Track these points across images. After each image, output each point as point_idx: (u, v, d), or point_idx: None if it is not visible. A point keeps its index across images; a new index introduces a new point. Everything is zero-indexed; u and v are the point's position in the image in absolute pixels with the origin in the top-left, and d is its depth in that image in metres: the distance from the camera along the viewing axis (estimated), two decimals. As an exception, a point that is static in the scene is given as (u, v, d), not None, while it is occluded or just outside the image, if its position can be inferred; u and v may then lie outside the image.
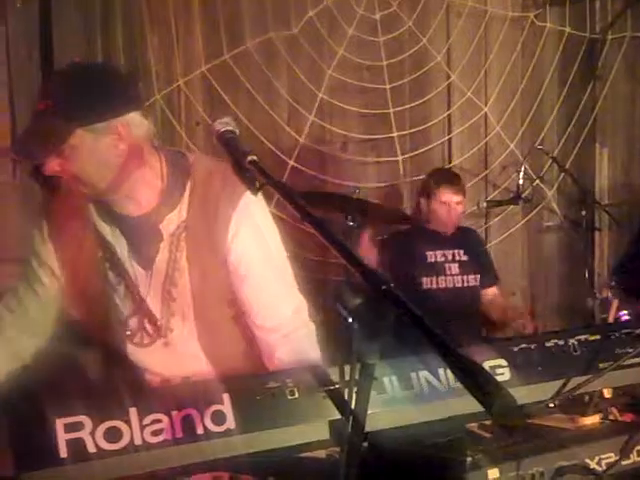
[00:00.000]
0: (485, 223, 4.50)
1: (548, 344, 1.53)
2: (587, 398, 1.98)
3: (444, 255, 3.88)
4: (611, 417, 2.04)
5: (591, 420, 2.04)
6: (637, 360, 1.59)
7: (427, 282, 3.82)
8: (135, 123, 1.79)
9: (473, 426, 1.86)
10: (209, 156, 2.01)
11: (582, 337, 1.56)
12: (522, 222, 4.47)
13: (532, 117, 4.47)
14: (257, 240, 1.89)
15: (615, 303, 3.22)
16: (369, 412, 1.32)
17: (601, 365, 1.54)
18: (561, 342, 1.54)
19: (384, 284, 1.21)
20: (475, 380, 1.03)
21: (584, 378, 1.52)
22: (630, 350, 1.55)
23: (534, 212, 4.37)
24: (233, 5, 4.04)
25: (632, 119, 4.61)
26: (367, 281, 1.24)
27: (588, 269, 4.19)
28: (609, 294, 3.50)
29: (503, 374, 1.48)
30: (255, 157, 1.46)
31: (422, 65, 4.34)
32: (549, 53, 4.49)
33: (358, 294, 1.27)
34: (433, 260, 3.86)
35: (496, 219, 4.48)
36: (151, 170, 1.85)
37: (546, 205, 4.34)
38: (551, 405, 1.97)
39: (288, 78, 4.17)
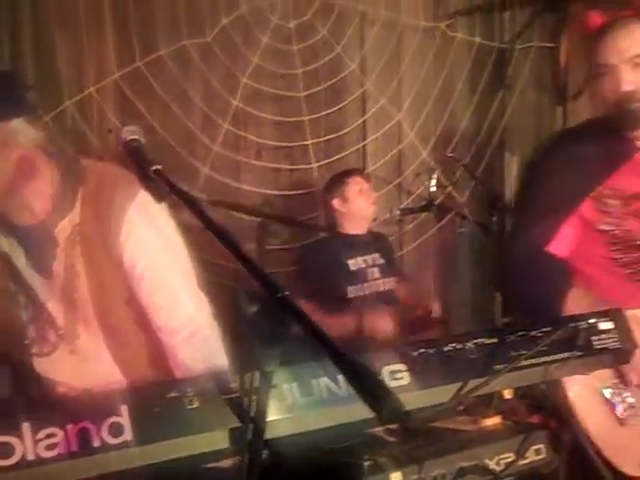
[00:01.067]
0: (399, 230, 4.57)
1: (446, 348, 1.56)
2: (488, 399, 2.05)
3: (365, 261, 3.92)
4: (514, 418, 2.12)
5: (492, 421, 2.10)
6: (532, 361, 1.63)
7: (353, 290, 3.85)
8: (21, 130, 1.76)
9: (378, 430, 1.90)
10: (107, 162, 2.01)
11: (479, 341, 1.60)
12: (434, 229, 4.54)
13: (444, 125, 4.56)
14: (152, 239, 1.89)
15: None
16: (269, 419, 1.33)
17: (497, 367, 1.58)
18: (459, 346, 1.57)
19: (280, 292, 1.23)
20: (365, 386, 1.06)
21: (481, 380, 1.55)
22: (524, 352, 1.59)
23: (446, 219, 4.45)
24: (146, 12, 4.01)
25: (539, 127, 4.74)
26: (264, 288, 1.26)
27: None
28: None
29: (402, 378, 1.51)
30: (159, 167, 1.47)
31: (337, 73, 4.39)
32: (460, 62, 4.59)
33: (256, 301, 1.28)
34: (355, 268, 3.89)
35: (410, 226, 4.55)
36: (42, 178, 1.83)
37: (458, 211, 4.42)
38: (459, 408, 2.02)
39: (202, 86, 4.16)
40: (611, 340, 1.72)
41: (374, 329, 3.67)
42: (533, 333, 1.66)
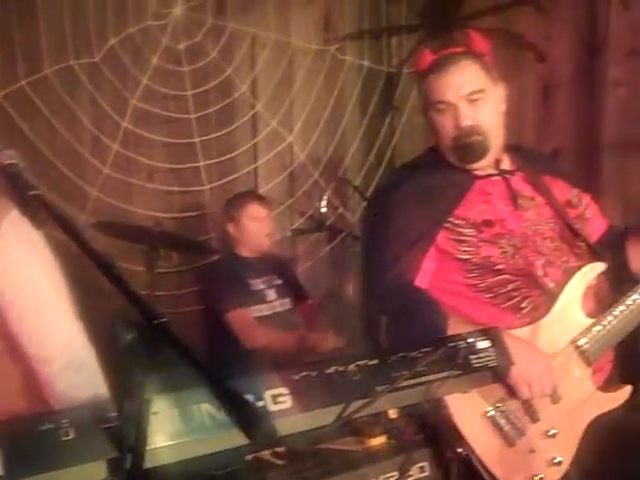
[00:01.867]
0: (292, 251, 4.59)
1: (328, 371, 1.57)
2: (373, 420, 2.08)
3: (263, 282, 3.93)
4: (400, 437, 2.16)
5: (378, 441, 2.14)
6: (413, 381, 1.66)
7: (255, 310, 3.84)
8: None
9: (265, 454, 1.90)
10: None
11: (361, 362, 1.62)
12: (326, 249, 4.59)
13: (335, 147, 4.62)
14: (21, 265, 1.83)
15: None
16: (149, 448, 1.31)
17: (379, 388, 1.60)
18: (341, 368, 1.58)
19: (157, 319, 1.22)
20: (238, 411, 1.06)
21: (363, 402, 1.57)
22: (405, 372, 1.62)
23: (338, 239, 4.50)
24: (30, 30, 3.92)
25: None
26: (141, 315, 1.25)
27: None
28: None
29: (285, 402, 1.51)
30: (38, 191, 1.43)
31: (228, 95, 4.40)
32: (350, 85, 4.67)
33: (133, 328, 1.27)
34: (255, 288, 3.89)
35: (302, 246, 4.58)
36: None
37: (350, 231, 4.48)
38: (345, 429, 2.04)
39: (91, 107, 4.09)
40: (489, 358, 1.76)
41: (273, 350, 3.68)
42: (414, 354, 1.68)
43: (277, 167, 4.53)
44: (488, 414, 2.20)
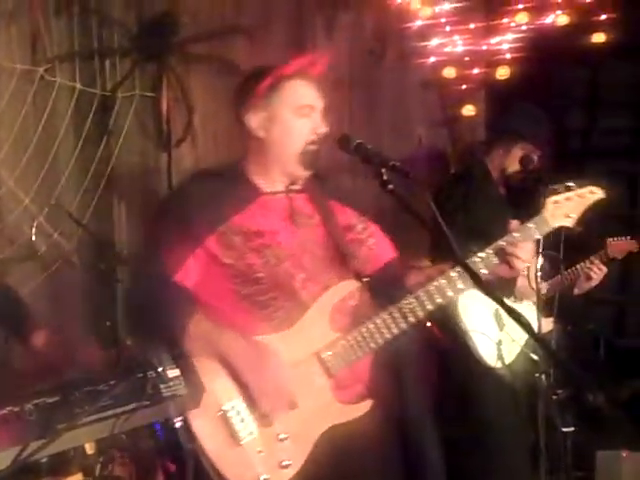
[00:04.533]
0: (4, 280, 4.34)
1: (3, 412, 1.50)
2: (69, 458, 2.01)
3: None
4: (98, 473, 2.10)
5: (75, 478, 2.08)
6: (98, 416, 1.63)
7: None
8: None
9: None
10: None
11: (39, 401, 1.56)
12: (42, 277, 4.39)
13: (47, 172, 4.43)
14: None
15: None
16: None
17: (60, 426, 1.55)
18: (16, 408, 1.52)
19: None
20: None
21: (42, 442, 1.51)
22: (86, 409, 1.58)
23: (54, 267, 4.32)
24: None
25: (146, 172, 4.81)
26: None
27: (111, 321, 4.24)
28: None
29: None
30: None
31: None
32: (62, 108, 4.51)
33: None
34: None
35: (13, 277, 4.34)
36: None
37: (66, 259, 4.32)
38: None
39: None
40: (178, 387, 1.77)
41: None
42: (100, 387, 1.65)
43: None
44: (220, 412, 2.25)
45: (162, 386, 1.75)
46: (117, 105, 4.63)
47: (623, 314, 7.09)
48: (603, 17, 5.43)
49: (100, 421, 1.63)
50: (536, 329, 3.39)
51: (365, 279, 2.59)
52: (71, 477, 1.96)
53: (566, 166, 6.73)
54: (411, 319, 2.48)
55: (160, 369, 1.76)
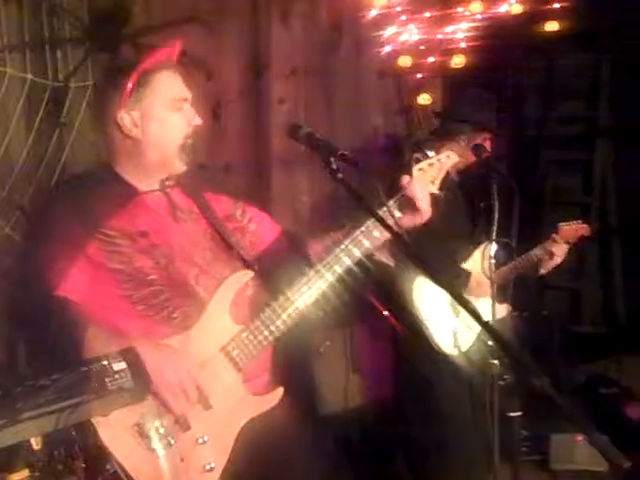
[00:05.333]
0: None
1: (-59, 409, 1.48)
2: (13, 454, 1.99)
3: None
4: (46, 469, 2.08)
5: (19, 475, 2.06)
6: (41, 410, 1.62)
7: None
8: None
9: None
10: None
11: (-21, 397, 1.54)
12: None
13: (-1, 165, 4.37)
14: None
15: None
16: None
17: (1, 422, 1.53)
18: (-44, 405, 1.50)
19: None
20: None
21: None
22: (28, 403, 1.57)
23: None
24: None
25: (99, 163, 4.75)
26: None
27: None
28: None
29: None
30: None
31: None
32: (13, 99, 4.44)
33: None
34: None
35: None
36: None
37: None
38: None
39: None
40: (124, 380, 1.76)
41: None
42: (42, 382, 1.64)
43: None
44: (134, 425, 2.20)
45: (107, 379, 1.73)
46: (70, 95, 4.56)
47: (578, 300, 7.20)
48: (556, 5, 5.47)
49: (43, 416, 1.61)
50: (490, 315, 3.42)
51: (255, 266, 2.56)
52: (17, 473, 1.93)
53: (522, 153, 6.84)
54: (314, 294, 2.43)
55: (105, 362, 1.74)
